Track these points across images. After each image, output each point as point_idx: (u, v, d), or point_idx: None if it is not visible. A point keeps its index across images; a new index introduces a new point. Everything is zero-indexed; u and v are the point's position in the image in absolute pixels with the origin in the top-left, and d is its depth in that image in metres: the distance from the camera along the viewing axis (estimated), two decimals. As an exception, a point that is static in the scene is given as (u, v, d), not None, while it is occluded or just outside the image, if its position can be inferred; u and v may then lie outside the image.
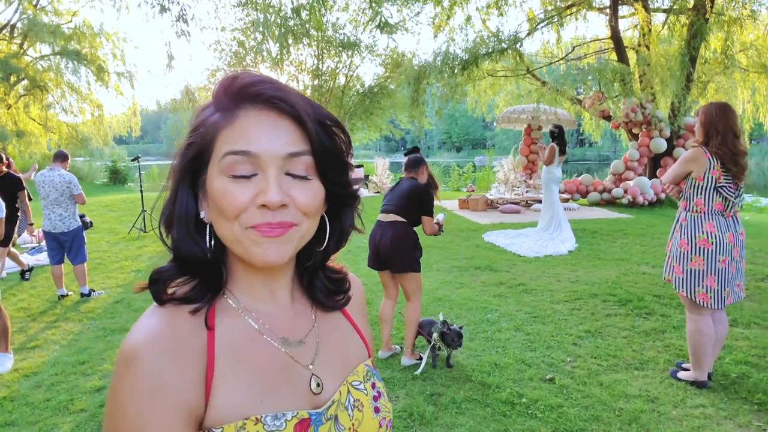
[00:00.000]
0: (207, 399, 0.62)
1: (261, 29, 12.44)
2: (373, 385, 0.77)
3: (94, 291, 5.71)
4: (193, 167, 0.67)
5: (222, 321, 0.67)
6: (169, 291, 0.68)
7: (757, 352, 3.67)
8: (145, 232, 9.22)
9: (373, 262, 3.77)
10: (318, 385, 0.70)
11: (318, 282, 0.77)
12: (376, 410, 0.75)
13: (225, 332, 0.67)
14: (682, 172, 3.16)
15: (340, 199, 0.72)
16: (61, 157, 5.65)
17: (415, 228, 3.71)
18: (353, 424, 0.71)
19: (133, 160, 9.66)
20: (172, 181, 0.69)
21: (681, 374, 3.30)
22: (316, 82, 14.24)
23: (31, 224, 6.18)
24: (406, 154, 4.00)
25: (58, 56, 19.33)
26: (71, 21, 20.02)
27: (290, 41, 12.42)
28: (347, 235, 0.77)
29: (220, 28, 12.95)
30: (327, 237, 0.74)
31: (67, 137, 21.42)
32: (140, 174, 9.83)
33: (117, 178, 22.85)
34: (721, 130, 3.03)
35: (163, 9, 4.42)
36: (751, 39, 12.01)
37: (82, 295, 5.59)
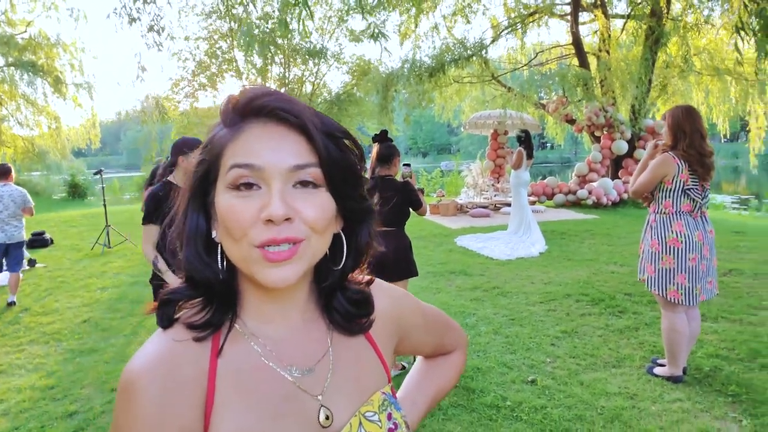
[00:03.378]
0: (206, 428, 0.60)
1: (231, 39, 12.36)
2: (389, 416, 0.72)
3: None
4: (202, 185, 0.65)
5: (227, 347, 0.65)
6: (177, 315, 0.66)
7: (726, 345, 3.80)
8: (110, 247, 8.95)
9: (370, 271, 3.72)
10: (327, 417, 0.66)
11: (337, 303, 0.73)
12: None
13: (229, 359, 0.65)
14: (654, 180, 3.22)
15: (355, 214, 0.70)
16: (8, 172, 5.95)
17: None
18: None
19: (96, 174, 9.39)
20: (182, 199, 0.67)
21: (657, 370, 3.39)
22: (283, 90, 14.17)
23: None
24: (374, 140, 3.68)
25: (12, 67, 18.65)
26: (26, 31, 19.34)
27: (272, 50, 12.32)
28: (365, 253, 0.73)
29: (184, 38, 12.71)
30: (344, 255, 0.71)
31: (22, 151, 20.65)
32: (103, 187, 9.54)
33: (76, 192, 22.15)
34: (688, 132, 3.13)
35: (132, 20, 4.32)
36: (704, 43, 12.53)
37: (10, 303, 5.74)
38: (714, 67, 12.15)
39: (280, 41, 13.23)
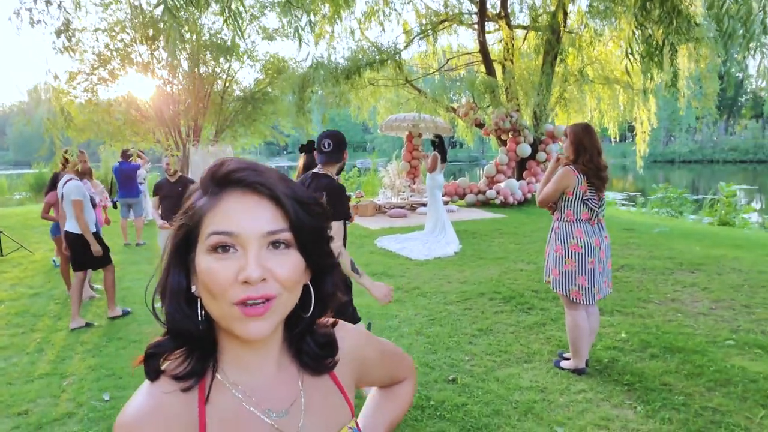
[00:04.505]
0: None
1: (134, 32, 11.72)
2: None
3: None
4: (183, 246, 0.72)
5: (212, 396, 0.72)
6: (163, 366, 0.72)
7: (621, 337, 4.26)
8: (2, 255, 8.19)
9: None
10: None
11: (306, 346, 0.81)
12: None
13: (215, 406, 0.72)
14: (557, 191, 3.55)
15: (321, 268, 0.79)
16: None
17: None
18: None
19: (-18, 176, 8.53)
20: (165, 257, 0.74)
21: (563, 363, 3.74)
22: (192, 87, 13.58)
23: None
24: (301, 151, 3.65)
25: None
26: None
27: (182, 48, 11.72)
28: (331, 301, 0.82)
29: (81, 29, 11.80)
30: (312, 304, 0.79)
31: None
32: (-8, 191, 8.70)
33: (-46, 193, 19.93)
34: (588, 147, 3.48)
35: (34, 22, 3.97)
36: (596, 54, 13.64)
37: None
38: (605, 77, 13.27)
39: (188, 36, 12.70)
